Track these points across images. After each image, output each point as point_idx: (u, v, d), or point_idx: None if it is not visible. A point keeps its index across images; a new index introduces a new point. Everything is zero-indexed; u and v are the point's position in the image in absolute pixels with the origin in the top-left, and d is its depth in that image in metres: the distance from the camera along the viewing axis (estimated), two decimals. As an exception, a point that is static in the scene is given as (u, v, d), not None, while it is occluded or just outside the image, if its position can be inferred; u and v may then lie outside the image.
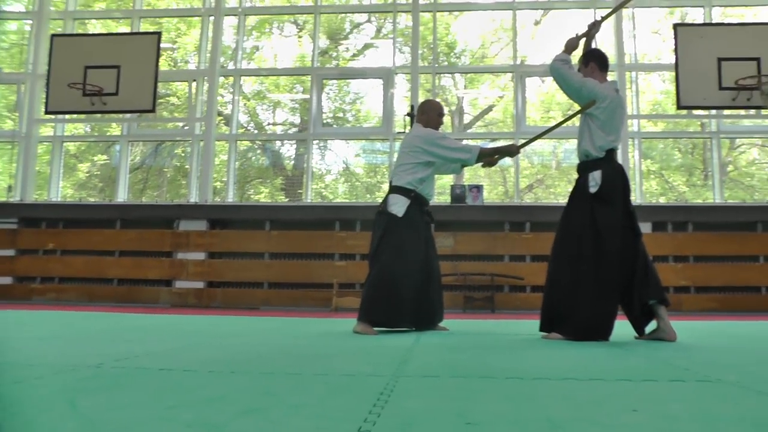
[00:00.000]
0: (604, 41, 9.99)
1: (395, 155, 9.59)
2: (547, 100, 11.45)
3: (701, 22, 9.81)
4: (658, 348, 3.54)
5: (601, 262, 3.91)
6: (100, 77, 9.24)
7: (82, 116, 10.35)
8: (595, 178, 4.06)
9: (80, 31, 10.60)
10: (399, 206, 4.68)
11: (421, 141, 4.80)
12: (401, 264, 4.53)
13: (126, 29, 10.57)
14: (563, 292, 4.01)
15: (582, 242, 3.99)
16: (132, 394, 1.87)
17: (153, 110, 9.33)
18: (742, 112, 9.40)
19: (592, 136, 4.13)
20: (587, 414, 1.66)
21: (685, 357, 3.12)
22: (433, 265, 4.85)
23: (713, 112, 9.44)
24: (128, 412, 1.60)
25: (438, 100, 9.66)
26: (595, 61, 4.37)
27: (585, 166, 4.17)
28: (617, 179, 4.09)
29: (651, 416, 1.65)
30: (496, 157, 5.02)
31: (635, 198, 9.17)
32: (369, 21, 11.69)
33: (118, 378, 2.20)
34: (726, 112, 9.38)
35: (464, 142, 9.39)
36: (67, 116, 10.18)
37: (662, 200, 10.51)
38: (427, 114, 5.03)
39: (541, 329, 4.14)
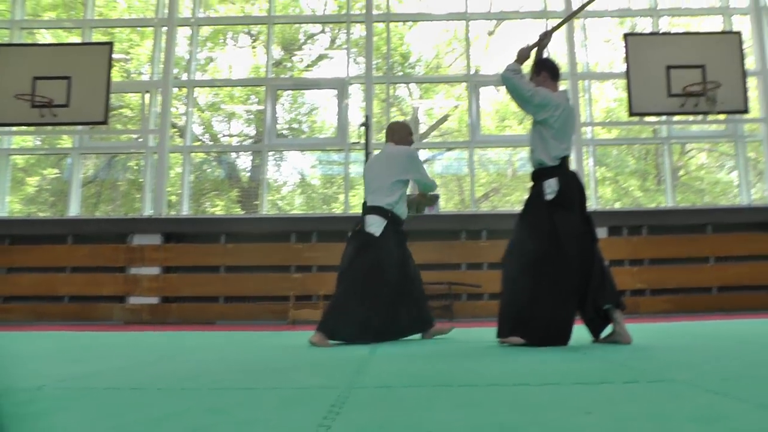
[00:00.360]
0: (556, 51, 10.14)
1: (351, 166, 9.59)
2: (502, 109, 11.56)
3: (650, 31, 10.03)
4: (614, 351, 3.57)
5: (559, 267, 3.93)
6: (50, 88, 9.02)
7: (31, 128, 10.08)
8: (551, 185, 4.09)
9: (28, 41, 10.36)
10: (376, 226, 4.75)
11: (406, 158, 4.92)
12: (372, 282, 4.56)
13: (77, 39, 10.36)
14: (522, 298, 4.01)
15: (540, 248, 4.01)
16: (74, 417, 1.80)
17: (105, 122, 9.13)
18: (691, 117, 9.60)
19: (546, 146, 4.16)
20: (540, 418, 1.65)
21: (641, 358, 3.15)
22: (409, 282, 4.87)
23: (664, 118, 9.63)
24: (68, 434, 1.54)
25: (394, 110, 9.68)
26: (547, 70, 4.41)
27: (540, 174, 4.20)
28: (573, 185, 4.13)
29: (604, 418, 1.65)
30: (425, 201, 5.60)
31: (591, 204, 9.30)
32: (323, 32, 11.68)
33: (61, 400, 2.11)
34: (676, 118, 9.57)
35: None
36: (14, 128, 9.91)
37: (617, 205, 10.68)
38: (398, 133, 5.15)
39: (500, 336, 4.13)
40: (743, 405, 1.82)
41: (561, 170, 4.14)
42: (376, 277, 4.59)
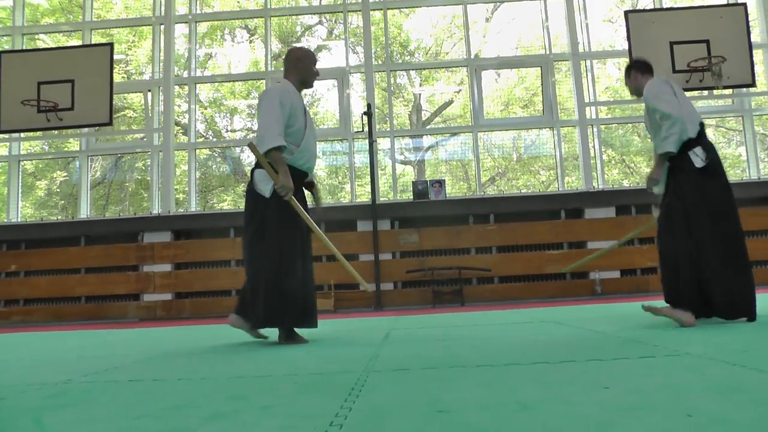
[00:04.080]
0: (559, 34, 10.09)
1: (355, 155, 9.62)
2: (505, 94, 11.54)
3: (652, 7, 9.96)
4: (628, 328, 3.58)
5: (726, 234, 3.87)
6: (55, 92, 9.05)
7: (39, 133, 10.11)
8: (698, 153, 3.98)
9: (30, 47, 10.39)
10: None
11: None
12: None
13: (77, 42, 10.38)
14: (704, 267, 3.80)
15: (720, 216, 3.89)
16: (101, 408, 1.83)
17: (110, 123, 9.17)
18: (696, 93, 9.55)
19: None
20: (558, 394, 1.67)
21: (655, 334, 3.16)
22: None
23: (668, 95, 9.56)
24: (96, 426, 1.57)
25: (395, 99, 9.59)
26: (636, 69, 4.36)
27: (684, 147, 4.03)
28: (715, 153, 4.06)
29: (622, 391, 1.66)
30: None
31: (597, 184, 9.29)
32: (320, 23, 11.66)
33: (87, 393, 2.16)
34: (681, 94, 9.51)
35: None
36: (22, 134, 9.95)
37: (626, 183, 10.65)
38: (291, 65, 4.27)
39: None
40: (764, 376, 1.82)
41: (702, 138, 4.08)
42: None
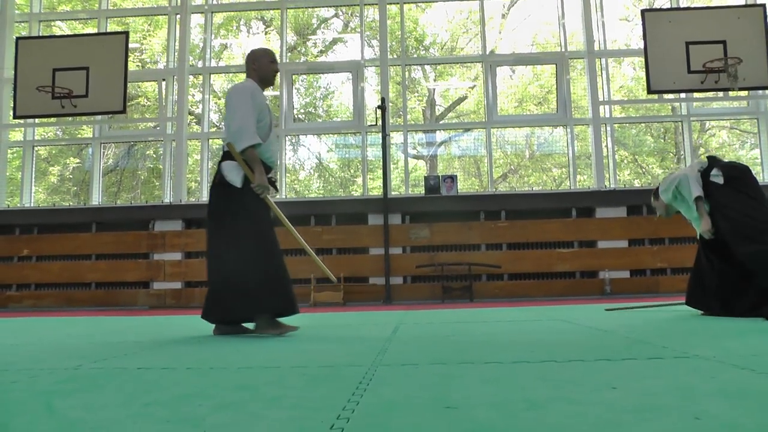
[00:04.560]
0: (575, 32, 10.05)
1: (368, 149, 9.62)
2: (519, 91, 11.49)
3: (669, 6, 9.90)
4: (637, 329, 3.57)
5: None
6: (69, 79, 9.12)
7: (53, 119, 10.20)
8: (714, 173, 4.65)
9: (46, 34, 10.44)
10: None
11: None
12: None
13: (93, 30, 10.43)
14: None
15: None
16: (110, 394, 1.85)
17: (124, 111, 9.23)
18: (711, 94, 9.49)
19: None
20: (566, 393, 1.67)
21: (663, 336, 3.16)
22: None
23: (683, 95, 9.52)
24: (106, 412, 1.58)
25: (409, 93, 9.56)
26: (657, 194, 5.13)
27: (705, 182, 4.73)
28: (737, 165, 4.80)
29: (629, 392, 1.66)
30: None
31: (609, 184, 9.25)
32: (336, 16, 11.65)
33: (97, 378, 2.18)
34: (696, 95, 9.46)
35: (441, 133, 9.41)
36: (36, 120, 10.03)
37: (636, 184, 10.60)
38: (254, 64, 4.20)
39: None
40: (773, 379, 1.82)
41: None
42: None
